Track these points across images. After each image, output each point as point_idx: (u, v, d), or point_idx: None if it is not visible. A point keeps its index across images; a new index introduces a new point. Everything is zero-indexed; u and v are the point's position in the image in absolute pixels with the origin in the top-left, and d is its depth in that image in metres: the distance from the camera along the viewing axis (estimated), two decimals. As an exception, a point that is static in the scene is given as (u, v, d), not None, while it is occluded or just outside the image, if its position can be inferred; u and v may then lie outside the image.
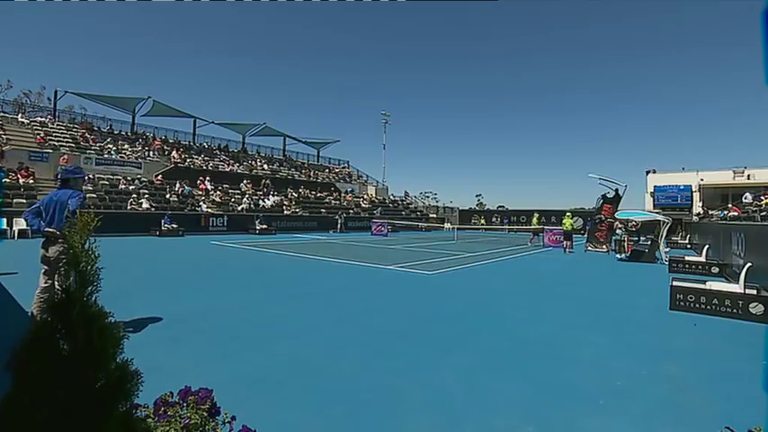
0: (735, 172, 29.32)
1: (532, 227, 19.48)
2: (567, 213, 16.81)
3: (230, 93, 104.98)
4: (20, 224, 14.85)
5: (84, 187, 4.55)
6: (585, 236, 17.82)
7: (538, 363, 3.60)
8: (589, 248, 15.98)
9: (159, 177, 23.62)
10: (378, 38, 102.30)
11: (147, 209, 19.41)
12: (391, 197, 41.01)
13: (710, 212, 24.61)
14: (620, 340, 4.31)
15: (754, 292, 5.45)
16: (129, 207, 18.90)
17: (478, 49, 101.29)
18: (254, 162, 33.70)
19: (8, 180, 16.78)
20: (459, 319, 5.09)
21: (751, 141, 73.15)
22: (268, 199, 26.54)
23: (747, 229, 8.59)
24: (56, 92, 27.21)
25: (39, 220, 3.86)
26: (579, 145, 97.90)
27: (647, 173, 33.09)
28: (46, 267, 3.84)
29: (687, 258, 10.57)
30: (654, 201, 31.55)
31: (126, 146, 25.73)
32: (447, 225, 33.41)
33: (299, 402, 2.73)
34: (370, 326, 4.68)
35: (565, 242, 15.66)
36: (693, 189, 30.38)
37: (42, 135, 21.95)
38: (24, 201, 16.24)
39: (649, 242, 13.63)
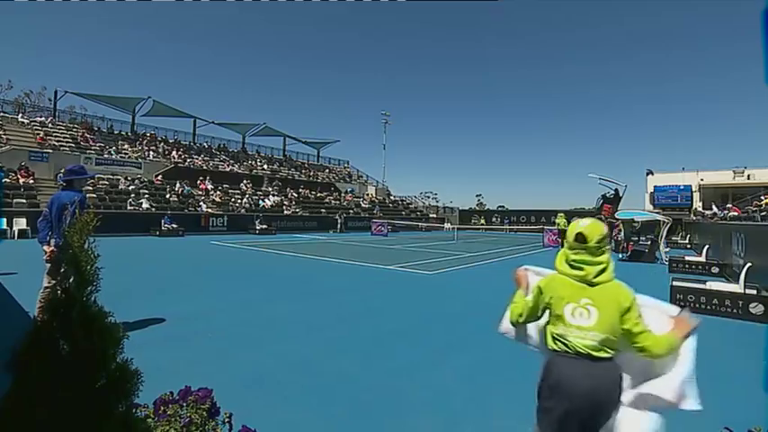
0: (735, 172, 29.31)
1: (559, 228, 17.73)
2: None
3: (230, 93, 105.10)
4: (20, 224, 14.85)
5: (84, 187, 4.54)
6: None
7: (538, 363, 3.60)
8: (589, 248, 15.95)
9: (159, 177, 23.62)
10: (378, 38, 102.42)
11: (147, 209, 19.40)
12: (392, 197, 41.00)
13: (704, 212, 24.67)
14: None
15: (754, 292, 5.45)
16: (129, 207, 18.90)
17: (478, 49, 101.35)
18: (254, 162, 33.70)
19: (8, 180, 16.78)
20: (460, 319, 5.09)
21: (751, 141, 73.15)
22: (268, 199, 26.55)
23: (747, 229, 8.59)
24: (56, 92, 27.23)
25: (47, 231, 3.87)
26: (579, 145, 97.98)
27: (648, 174, 33.06)
28: (50, 267, 3.86)
29: (687, 258, 10.57)
30: (654, 201, 31.54)
31: (126, 146, 25.74)
32: (447, 225, 33.40)
33: (299, 402, 2.73)
34: (370, 326, 4.68)
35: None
36: (693, 189, 30.36)
37: (42, 135, 21.95)
38: (24, 201, 16.23)
39: (649, 242, 13.63)
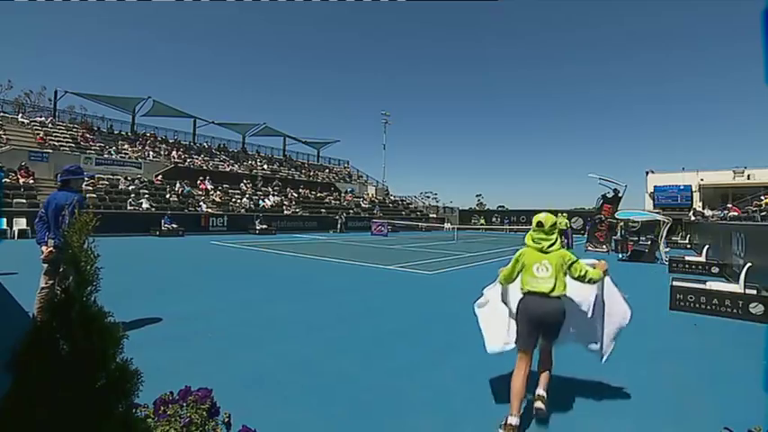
0: (735, 172, 29.30)
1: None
2: (564, 214, 18.28)
3: (230, 93, 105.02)
4: (20, 224, 14.85)
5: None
6: (585, 236, 17.88)
7: (538, 363, 3.59)
8: (589, 248, 15.99)
9: (159, 177, 23.62)
10: (378, 38, 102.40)
11: (147, 209, 19.40)
12: (391, 197, 40.99)
13: (702, 212, 24.70)
14: (620, 340, 4.30)
15: (754, 292, 5.45)
16: (129, 207, 18.89)
17: (478, 49, 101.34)
18: (254, 162, 33.70)
19: (8, 180, 16.77)
20: (460, 319, 5.08)
21: (751, 141, 73.11)
22: (268, 199, 26.55)
23: (747, 229, 8.58)
24: (56, 92, 27.22)
25: (44, 232, 3.85)
26: (579, 145, 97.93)
27: (647, 173, 33.07)
28: (47, 267, 3.84)
29: (687, 258, 10.57)
30: (654, 201, 31.53)
31: (126, 146, 25.74)
32: (447, 225, 33.41)
33: (299, 402, 2.73)
34: (370, 326, 4.68)
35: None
36: (693, 189, 30.35)
37: (42, 135, 21.95)
38: (24, 201, 16.23)
39: (649, 242, 13.63)
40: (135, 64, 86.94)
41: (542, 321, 2.56)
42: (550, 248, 2.65)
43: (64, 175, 4.02)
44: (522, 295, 2.68)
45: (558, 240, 2.71)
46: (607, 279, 2.79)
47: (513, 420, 2.35)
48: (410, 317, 5.14)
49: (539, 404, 2.52)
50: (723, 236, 10.73)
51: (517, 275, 2.75)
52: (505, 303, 2.97)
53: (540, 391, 2.59)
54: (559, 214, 18.89)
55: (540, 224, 2.71)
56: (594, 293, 2.78)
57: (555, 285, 2.56)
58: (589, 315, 2.80)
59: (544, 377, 2.68)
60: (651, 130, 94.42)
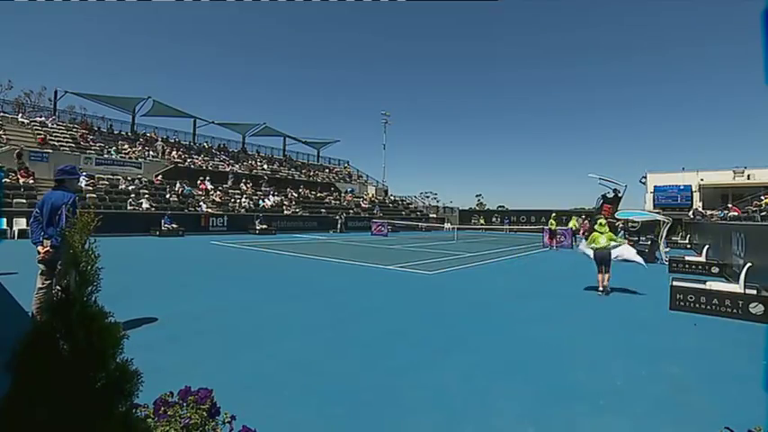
0: (735, 172, 29.27)
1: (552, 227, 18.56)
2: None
3: (230, 93, 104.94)
4: (20, 224, 14.84)
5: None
6: (586, 235, 17.98)
7: (538, 363, 3.60)
8: (589, 248, 16.04)
9: (159, 177, 23.61)
10: (378, 37, 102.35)
11: (147, 209, 19.39)
12: (391, 197, 40.97)
13: (703, 212, 24.69)
14: (620, 340, 4.31)
15: (754, 292, 5.45)
16: (129, 207, 18.89)
17: (479, 48, 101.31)
18: (254, 162, 33.69)
19: (8, 180, 16.76)
20: (460, 319, 5.09)
21: (751, 141, 73.04)
22: (268, 199, 26.54)
23: (747, 229, 8.58)
24: (56, 92, 27.23)
25: (40, 231, 3.80)
26: (579, 145, 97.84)
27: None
28: (43, 267, 3.81)
29: (687, 258, 10.56)
30: (654, 201, 31.52)
31: (126, 146, 25.73)
32: (447, 225, 33.39)
33: (299, 402, 2.73)
34: (370, 326, 4.68)
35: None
36: (693, 189, 30.33)
37: (42, 135, 21.94)
38: (24, 201, 16.23)
39: (649, 242, 13.62)
40: (135, 64, 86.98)
41: (603, 259, 6.77)
42: (604, 231, 6.90)
43: (59, 174, 3.99)
44: (594, 251, 6.87)
45: (608, 228, 7.07)
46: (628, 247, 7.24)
47: (600, 288, 6.76)
48: (410, 317, 5.14)
49: (605, 285, 6.73)
50: (723, 236, 10.73)
51: (592, 243, 6.92)
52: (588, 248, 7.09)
53: (605, 282, 6.74)
54: (573, 217, 19.43)
55: (600, 223, 7.04)
56: (623, 248, 6.96)
57: (606, 244, 6.79)
58: (617, 254, 6.87)
59: (607, 277, 6.77)
60: (651, 130, 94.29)
